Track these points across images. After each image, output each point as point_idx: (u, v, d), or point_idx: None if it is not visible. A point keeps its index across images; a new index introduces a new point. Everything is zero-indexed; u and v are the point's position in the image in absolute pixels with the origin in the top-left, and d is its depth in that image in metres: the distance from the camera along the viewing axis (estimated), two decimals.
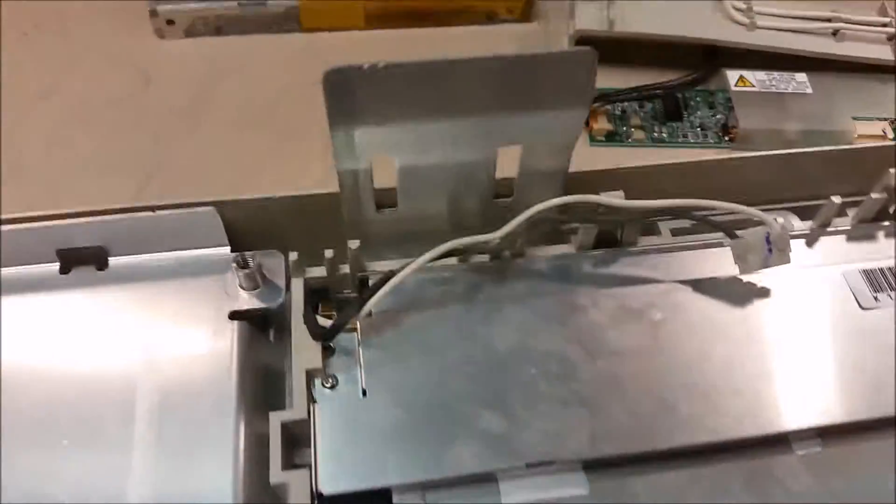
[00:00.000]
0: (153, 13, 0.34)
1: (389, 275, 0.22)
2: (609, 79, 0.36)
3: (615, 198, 0.23)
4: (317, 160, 0.32)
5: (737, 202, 0.23)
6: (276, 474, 0.19)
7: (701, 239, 0.25)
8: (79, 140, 0.32)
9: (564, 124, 0.21)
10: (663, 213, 0.24)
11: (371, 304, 0.21)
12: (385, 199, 0.23)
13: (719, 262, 0.24)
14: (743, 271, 0.23)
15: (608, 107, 0.34)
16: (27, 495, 0.18)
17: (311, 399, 0.21)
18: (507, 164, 0.23)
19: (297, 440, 0.20)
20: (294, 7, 0.34)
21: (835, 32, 0.34)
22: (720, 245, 0.24)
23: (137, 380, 0.20)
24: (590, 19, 0.34)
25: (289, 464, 0.20)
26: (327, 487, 0.19)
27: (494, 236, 0.23)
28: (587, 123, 0.33)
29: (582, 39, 0.34)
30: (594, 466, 0.20)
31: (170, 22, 0.34)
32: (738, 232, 0.23)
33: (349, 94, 0.19)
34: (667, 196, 0.23)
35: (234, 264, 0.22)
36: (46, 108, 0.34)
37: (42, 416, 0.20)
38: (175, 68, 0.35)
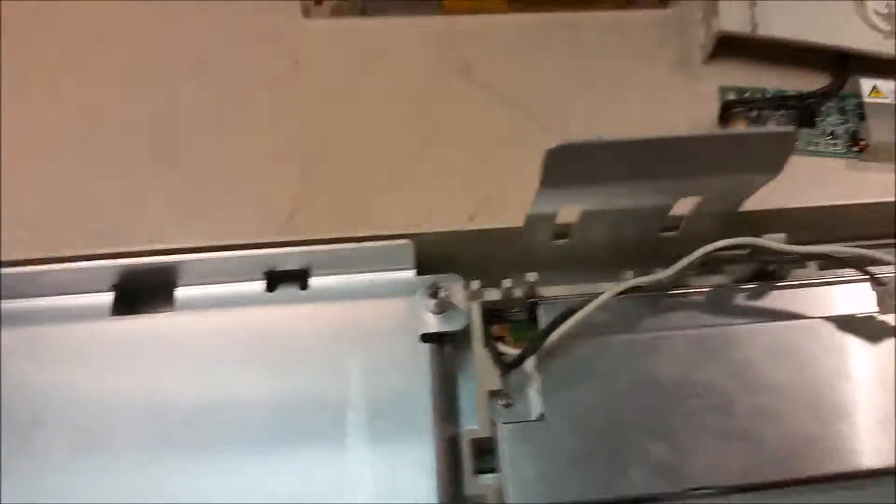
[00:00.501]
0: None
1: (570, 310, 0.24)
2: (743, 74, 0.37)
3: (778, 241, 0.25)
4: (459, 150, 0.33)
5: None
6: (471, 485, 0.22)
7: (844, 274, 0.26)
8: (235, 121, 0.34)
9: (750, 184, 0.23)
10: (823, 258, 0.26)
11: (556, 336, 0.23)
12: (559, 231, 0.25)
13: (861, 296, 0.26)
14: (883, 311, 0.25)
15: (745, 111, 0.35)
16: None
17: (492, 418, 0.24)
18: (681, 203, 0.25)
19: (480, 450, 0.24)
20: None
21: None
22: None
23: (348, 392, 0.23)
24: (733, 20, 0.34)
25: (477, 469, 0.23)
26: (517, 499, 0.22)
27: (668, 274, 0.25)
28: None
29: (722, 37, 0.35)
30: (747, 490, 0.23)
31: (318, 2, 0.35)
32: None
33: (565, 163, 0.20)
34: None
35: (427, 291, 0.24)
36: (195, 87, 0.35)
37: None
38: (323, 50, 0.35)
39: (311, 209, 0.31)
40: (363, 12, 0.36)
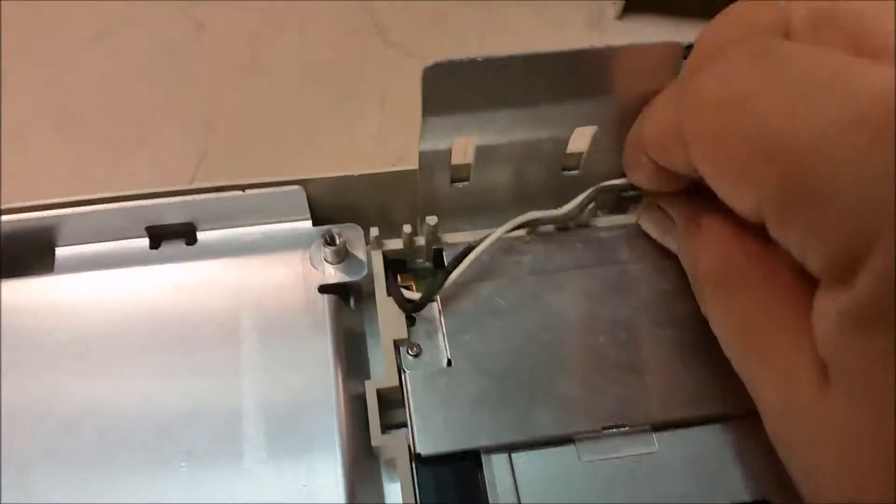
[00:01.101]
0: None
1: (469, 248, 0.23)
2: (657, 30, 0.36)
3: None
4: (373, 113, 0.32)
5: None
6: (377, 437, 0.21)
7: None
8: (137, 86, 0.33)
9: (643, 107, 0.22)
10: None
11: (454, 277, 0.22)
12: (458, 174, 0.24)
13: None
14: None
15: None
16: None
17: (399, 367, 0.22)
18: (578, 139, 0.24)
19: (386, 403, 0.22)
20: None
21: None
22: None
23: (240, 347, 0.22)
24: None
25: (383, 425, 0.22)
26: (425, 449, 0.21)
27: (564, 210, 0.24)
28: None
29: None
30: (662, 428, 0.22)
31: None
32: None
33: (444, 86, 0.20)
34: None
35: (322, 240, 0.23)
36: (100, 51, 0.34)
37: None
38: (229, 13, 0.34)
39: (213, 171, 0.30)
40: None
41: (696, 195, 0.20)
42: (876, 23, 0.16)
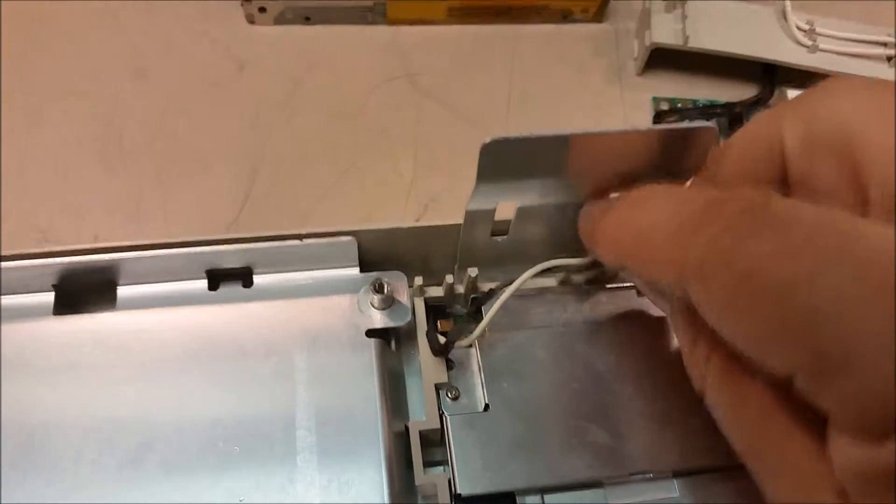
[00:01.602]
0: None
1: (497, 289, 0.25)
2: (674, 86, 0.39)
3: None
4: (405, 156, 0.34)
5: None
6: (420, 476, 0.23)
7: None
8: (180, 125, 0.34)
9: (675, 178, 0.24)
10: None
11: (484, 323, 0.24)
12: (497, 228, 0.26)
13: None
14: None
15: (677, 119, 0.36)
16: None
17: (440, 409, 0.24)
18: None
19: (426, 442, 0.24)
20: (382, 2, 0.35)
21: (889, 58, 0.36)
22: None
23: (292, 384, 0.24)
24: (666, 33, 0.36)
25: (425, 462, 0.23)
26: (465, 489, 0.22)
27: (588, 259, 0.26)
28: None
29: (655, 50, 0.36)
30: (682, 475, 0.24)
31: (262, 9, 0.35)
32: None
33: (498, 158, 0.21)
34: None
35: (371, 287, 0.25)
36: (142, 88, 0.35)
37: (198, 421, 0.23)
38: (267, 56, 0.36)
39: (255, 212, 0.32)
40: (307, 20, 0.36)
41: None
42: (868, 150, 0.16)
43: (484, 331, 0.25)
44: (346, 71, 0.36)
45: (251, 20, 0.36)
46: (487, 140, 0.21)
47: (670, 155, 0.23)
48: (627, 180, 0.24)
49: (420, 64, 0.37)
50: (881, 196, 0.15)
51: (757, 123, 0.20)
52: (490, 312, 0.24)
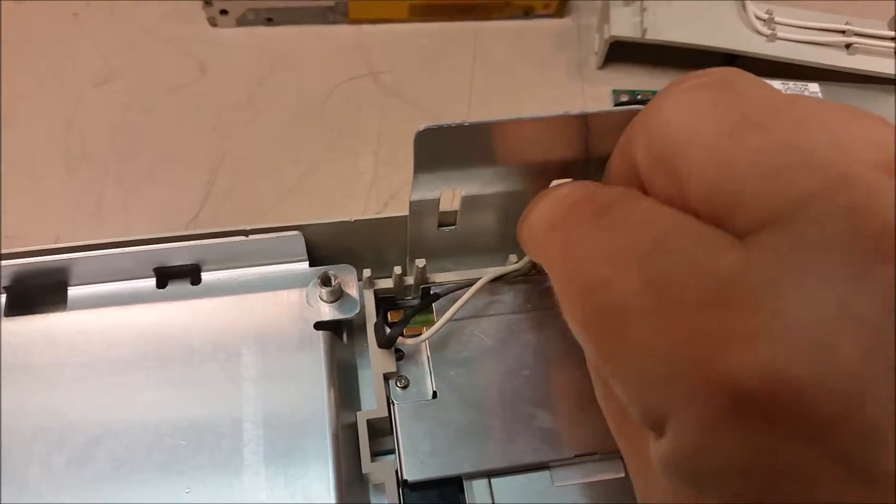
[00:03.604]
0: (208, 2, 0.35)
1: (435, 294, 0.26)
2: (635, 79, 0.39)
3: None
4: (366, 153, 0.34)
5: None
6: (367, 465, 0.23)
7: None
8: (143, 126, 0.34)
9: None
10: None
11: (434, 330, 0.24)
12: (445, 220, 0.26)
13: None
14: None
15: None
16: None
17: (388, 398, 0.24)
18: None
19: (376, 431, 0.24)
20: (343, 2, 0.36)
21: (847, 46, 0.36)
22: None
23: (240, 379, 0.24)
24: (624, 26, 0.36)
25: (372, 451, 0.23)
26: (411, 475, 0.23)
27: (522, 264, 0.26)
28: None
29: (615, 42, 0.37)
30: None
31: (223, 12, 0.36)
32: None
33: (434, 146, 0.22)
34: None
35: (318, 280, 0.25)
36: (105, 92, 0.35)
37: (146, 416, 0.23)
38: (230, 57, 0.36)
39: (215, 212, 0.32)
40: (269, 20, 0.37)
41: None
42: (686, 164, 0.15)
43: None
44: (309, 71, 0.37)
45: (213, 23, 0.36)
46: (421, 128, 0.21)
47: (605, 140, 0.23)
48: (567, 169, 0.24)
49: (383, 62, 0.38)
50: (703, 208, 0.15)
51: (623, 135, 0.20)
52: (436, 326, 0.24)
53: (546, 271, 0.19)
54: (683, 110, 0.16)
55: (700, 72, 0.17)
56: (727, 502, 0.13)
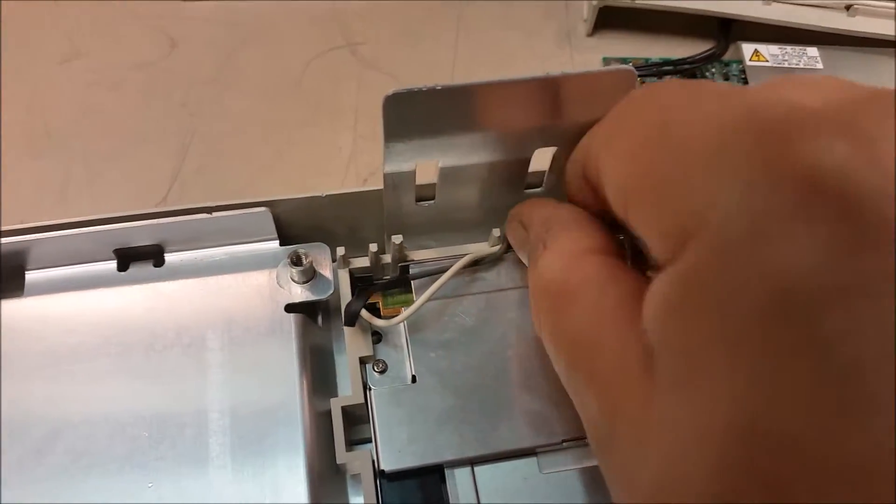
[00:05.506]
0: None
1: (408, 272, 0.24)
2: (627, 45, 0.37)
3: None
4: (344, 128, 0.33)
5: None
6: (342, 455, 0.21)
7: None
8: (109, 104, 0.33)
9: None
10: None
11: (411, 311, 0.23)
12: (423, 193, 0.25)
13: None
14: None
15: None
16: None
17: (365, 383, 0.23)
18: (539, 157, 0.25)
19: (353, 418, 0.23)
20: None
21: (847, 7, 0.35)
22: None
23: (206, 366, 0.22)
24: None
25: (349, 440, 0.22)
26: (388, 465, 0.21)
27: (502, 249, 0.25)
28: None
29: (605, 8, 0.35)
30: None
31: None
32: None
33: (405, 113, 0.20)
34: None
35: (288, 260, 0.23)
36: (72, 70, 0.34)
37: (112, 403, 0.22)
38: (202, 31, 0.35)
39: (185, 191, 0.30)
40: None
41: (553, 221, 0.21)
42: (606, 187, 0.18)
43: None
44: (283, 44, 0.35)
45: None
46: (389, 92, 0.19)
47: (591, 104, 0.21)
48: (550, 135, 0.23)
49: (361, 34, 0.36)
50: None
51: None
52: (414, 306, 0.23)
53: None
54: (612, 132, 0.19)
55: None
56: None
